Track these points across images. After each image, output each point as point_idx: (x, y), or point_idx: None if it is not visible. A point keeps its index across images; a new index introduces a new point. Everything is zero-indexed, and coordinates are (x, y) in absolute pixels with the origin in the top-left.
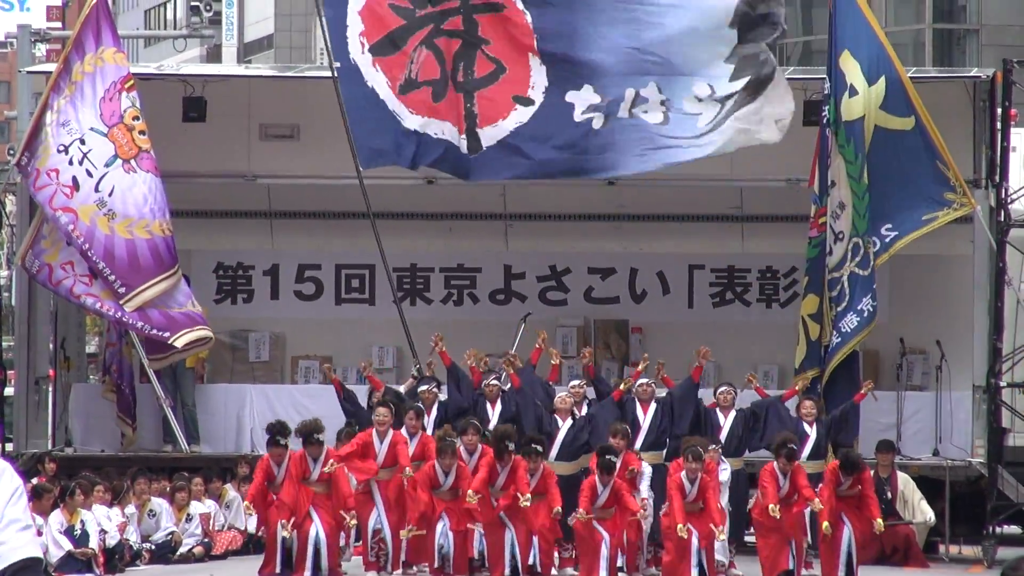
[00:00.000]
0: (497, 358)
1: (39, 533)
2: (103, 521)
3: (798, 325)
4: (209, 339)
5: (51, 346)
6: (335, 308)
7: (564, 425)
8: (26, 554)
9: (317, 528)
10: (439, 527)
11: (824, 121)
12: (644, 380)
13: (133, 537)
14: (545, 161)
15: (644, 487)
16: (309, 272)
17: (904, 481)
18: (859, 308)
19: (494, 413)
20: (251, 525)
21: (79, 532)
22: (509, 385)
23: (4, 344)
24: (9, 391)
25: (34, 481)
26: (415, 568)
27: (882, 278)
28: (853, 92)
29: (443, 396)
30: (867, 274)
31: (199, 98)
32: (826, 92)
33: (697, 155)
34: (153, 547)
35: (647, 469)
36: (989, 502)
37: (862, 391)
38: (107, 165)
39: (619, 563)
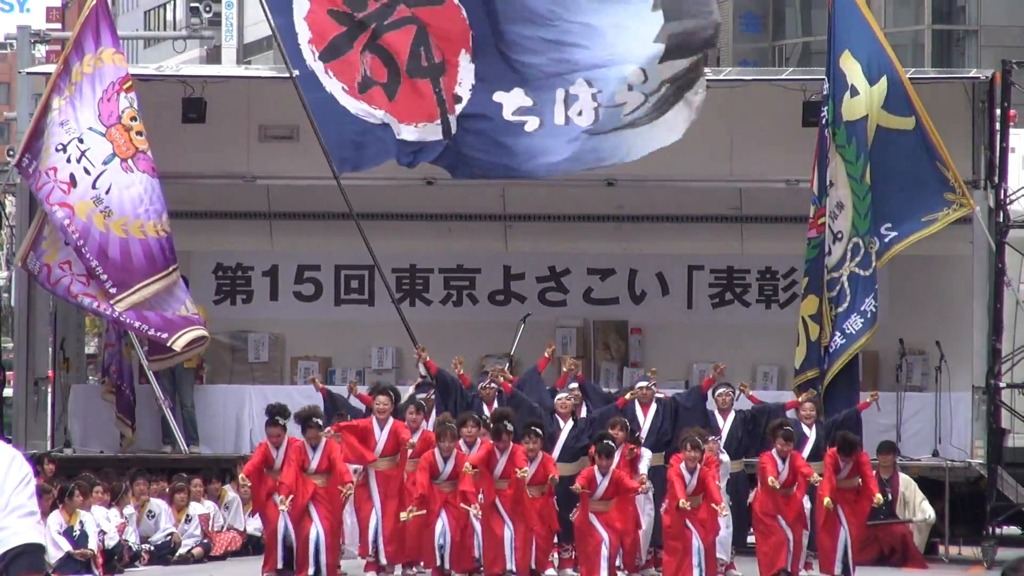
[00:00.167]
0: (496, 359)
1: None
2: (102, 522)
3: (798, 326)
4: (205, 338)
5: (50, 347)
6: (334, 309)
7: (566, 427)
8: (27, 539)
9: (317, 529)
10: (439, 527)
11: (823, 122)
12: (644, 383)
13: (132, 538)
14: (470, 159)
15: (644, 466)
16: (308, 273)
17: (906, 483)
18: (862, 309)
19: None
20: (251, 526)
21: (78, 533)
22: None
23: (3, 345)
24: (8, 392)
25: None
26: (415, 569)
27: (882, 279)
28: (855, 92)
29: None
30: (868, 274)
31: (199, 99)
32: (825, 93)
33: (616, 162)
34: (152, 548)
35: (647, 453)
36: (989, 503)
37: (866, 400)
38: (105, 163)
39: (617, 562)
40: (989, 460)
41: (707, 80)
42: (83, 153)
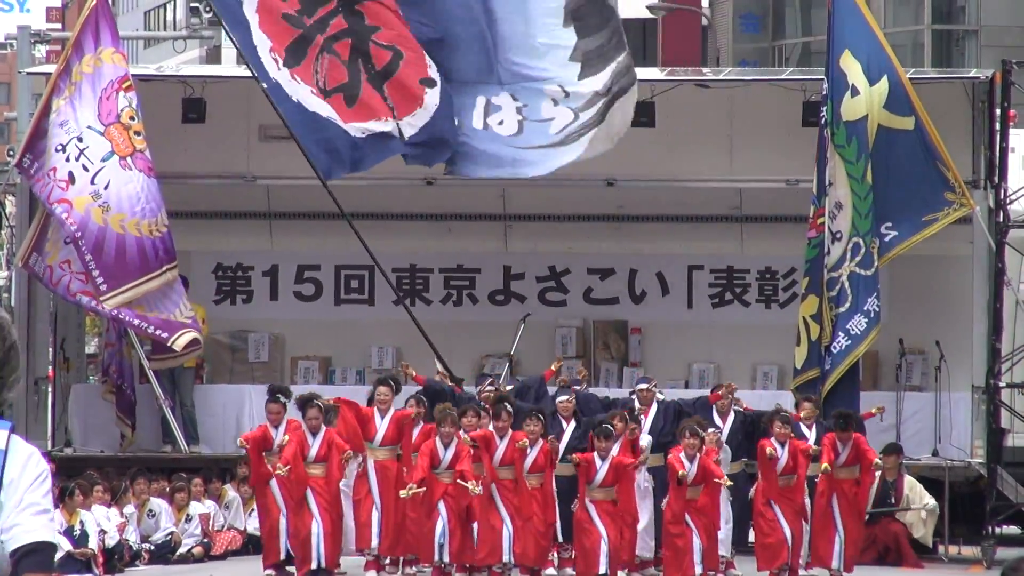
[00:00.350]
0: (496, 359)
1: None
2: (102, 521)
3: (798, 326)
4: (199, 342)
5: (51, 347)
6: (334, 309)
7: (568, 428)
8: (38, 537)
9: (318, 525)
10: (439, 526)
11: (822, 122)
12: (644, 384)
13: (132, 537)
14: (456, 144)
15: (644, 441)
16: (308, 273)
17: (910, 485)
18: (865, 309)
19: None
20: (251, 526)
21: (78, 532)
22: (509, 387)
23: None
24: None
25: None
26: (415, 569)
27: (882, 279)
28: (855, 92)
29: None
30: (870, 274)
31: (199, 99)
32: (824, 93)
33: (542, 172)
34: (152, 547)
35: (647, 438)
36: (988, 502)
37: (872, 411)
38: (103, 160)
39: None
40: (989, 460)
41: (706, 80)
42: (82, 152)
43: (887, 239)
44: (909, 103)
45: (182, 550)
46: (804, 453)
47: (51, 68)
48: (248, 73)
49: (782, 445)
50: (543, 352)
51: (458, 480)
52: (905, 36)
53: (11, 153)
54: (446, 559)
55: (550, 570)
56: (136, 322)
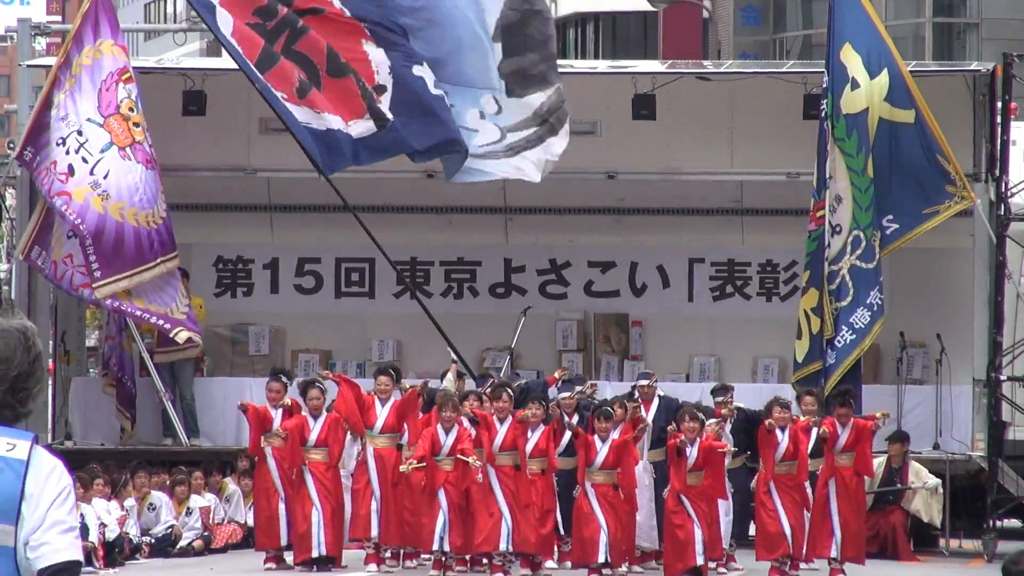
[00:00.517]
0: (497, 352)
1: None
2: (102, 515)
3: (799, 319)
4: (191, 340)
5: (51, 340)
6: (335, 302)
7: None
8: (66, 557)
9: (318, 513)
10: (440, 520)
11: (822, 115)
12: (645, 381)
13: (133, 531)
14: (419, 135)
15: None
16: (309, 266)
17: (915, 471)
18: (868, 302)
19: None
20: (251, 519)
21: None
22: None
23: None
24: None
25: None
26: (415, 562)
27: (883, 272)
28: (855, 85)
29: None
30: (871, 267)
31: (199, 92)
32: (824, 86)
33: (454, 179)
34: (153, 540)
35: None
36: (989, 496)
37: (876, 416)
38: (102, 151)
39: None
40: (990, 453)
41: (707, 73)
42: (81, 145)
43: (888, 232)
44: (910, 96)
45: (182, 543)
46: (804, 430)
47: (51, 61)
48: None
49: (782, 430)
50: (544, 345)
51: (458, 455)
52: (906, 29)
53: (11, 146)
54: (446, 549)
55: (549, 562)
56: (138, 313)
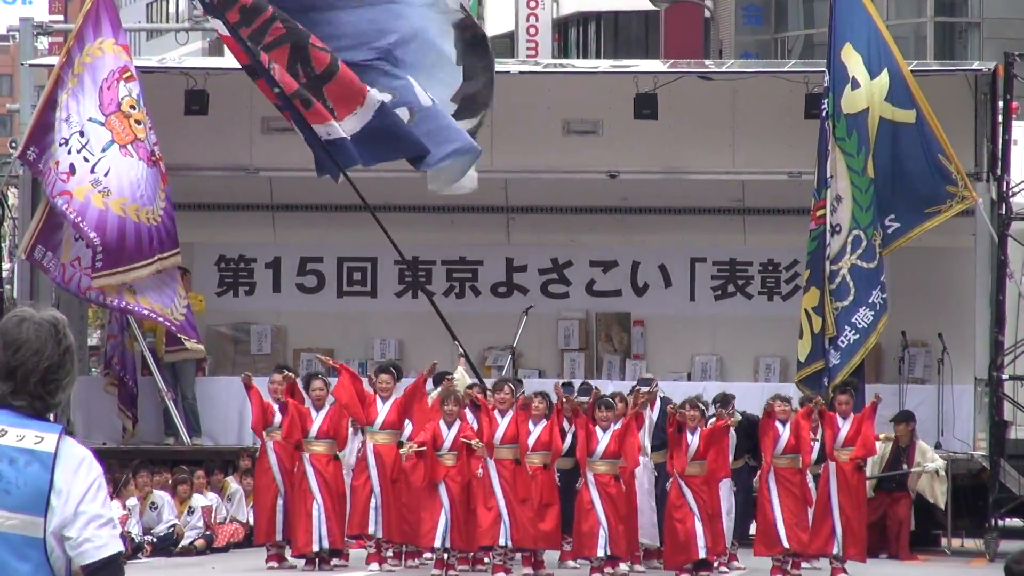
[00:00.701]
0: (499, 351)
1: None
2: None
3: (800, 318)
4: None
5: None
6: (337, 301)
7: (571, 429)
8: (109, 552)
9: (319, 506)
10: (441, 520)
11: (823, 114)
12: (646, 388)
13: (135, 530)
14: (407, 138)
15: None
16: (311, 265)
17: (922, 451)
18: (870, 301)
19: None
20: (253, 518)
21: None
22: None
23: None
24: None
25: None
26: (416, 561)
27: (885, 271)
28: (856, 85)
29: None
30: (872, 266)
31: (201, 91)
32: (825, 85)
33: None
34: (155, 539)
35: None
36: (991, 495)
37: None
38: (104, 150)
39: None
40: (992, 452)
41: (709, 72)
42: (84, 145)
43: (890, 231)
44: (911, 96)
45: (184, 542)
46: (805, 416)
47: (53, 60)
48: None
49: (783, 424)
50: (546, 344)
51: (461, 438)
52: (907, 29)
53: (13, 145)
54: (447, 545)
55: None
56: (145, 312)
